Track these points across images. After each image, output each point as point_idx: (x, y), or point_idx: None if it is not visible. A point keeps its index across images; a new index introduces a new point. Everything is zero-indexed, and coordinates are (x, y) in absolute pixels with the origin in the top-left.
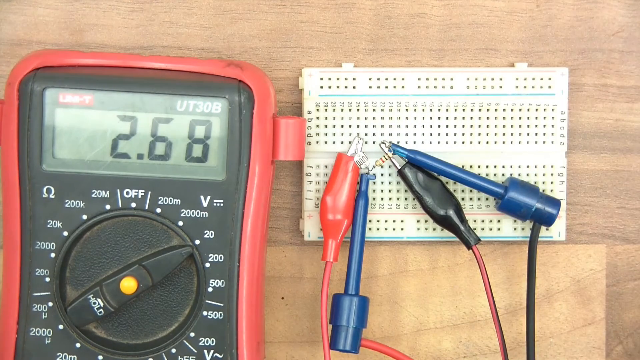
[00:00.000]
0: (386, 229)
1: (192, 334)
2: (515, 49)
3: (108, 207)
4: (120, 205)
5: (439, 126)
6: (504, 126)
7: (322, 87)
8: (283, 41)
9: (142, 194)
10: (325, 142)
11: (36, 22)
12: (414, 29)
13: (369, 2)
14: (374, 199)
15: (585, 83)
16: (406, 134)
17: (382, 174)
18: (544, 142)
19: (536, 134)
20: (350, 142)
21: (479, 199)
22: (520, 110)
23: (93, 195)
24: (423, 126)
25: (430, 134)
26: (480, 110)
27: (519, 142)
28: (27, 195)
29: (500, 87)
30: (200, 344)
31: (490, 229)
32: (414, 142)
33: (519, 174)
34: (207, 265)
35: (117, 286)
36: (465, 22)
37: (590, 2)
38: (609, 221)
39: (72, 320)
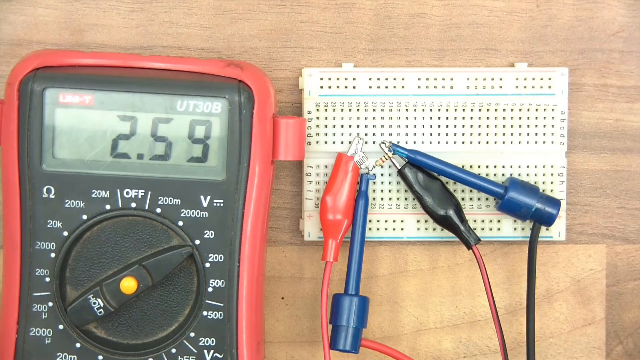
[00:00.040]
0: (386, 229)
1: (192, 334)
2: (515, 49)
3: (108, 207)
4: (120, 205)
5: (439, 126)
6: (504, 126)
7: (322, 87)
8: (283, 41)
9: (142, 194)
10: (325, 142)
11: (36, 22)
12: (414, 29)
13: (369, 2)
14: (374, 199)
15: (585, 83)
16: (406, 134)
17: (382, 174)
18: (544, 142)
19: (536, 134)
20: (350, 142)
21: (479, 199)
22: (520, 110)
23: (93, 195)
24: (423, 126)
25: (430, 134)
26: (480, 110)
27: (519, 142)
28: (27, 195)
29: (500, 87)
30: (200, 344)
31: (490, 229)
32: (414, 142)
33: (519, 174)
34: (207, 265)
35: (117, 286)
36: (465, 22)
37: (590, 2)
38: (609, 221)
39: (72, 320)
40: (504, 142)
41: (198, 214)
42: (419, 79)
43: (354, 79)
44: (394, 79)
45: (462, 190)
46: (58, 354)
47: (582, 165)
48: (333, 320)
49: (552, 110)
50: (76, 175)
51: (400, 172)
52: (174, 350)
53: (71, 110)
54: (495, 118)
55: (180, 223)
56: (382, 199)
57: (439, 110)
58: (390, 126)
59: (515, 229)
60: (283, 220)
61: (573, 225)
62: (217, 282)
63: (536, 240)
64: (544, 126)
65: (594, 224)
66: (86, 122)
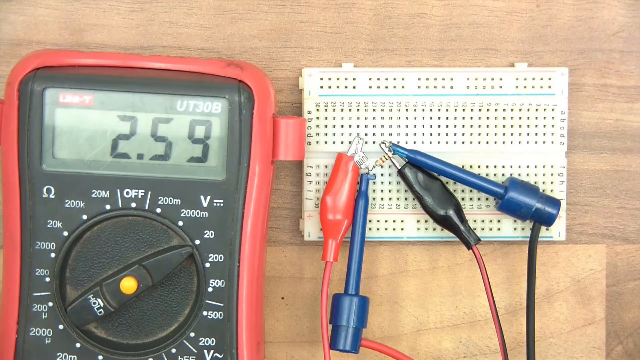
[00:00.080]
0: (386, 229)
1: (192, 334)
2: (515, 49)
3: (108, 207)
4: (120, 205)
5: (439, 126)
6: (504, 126)
7: (322, 87)
8: (283, 41)
9: (142, 194)
10: (325, 142)
11: (36, 22)
12: (414, 29)
13: (369, 2)
14: (374, 199)
15: (585, 83)
16: (406, 134)
17: (382, 174)
18: (544, 142)
19: (536, 134)
20: (350, 142)
21: (479, 199)
22: (520, 110)
23: (93, 195)
24: (423, 126)
25: (430, 134)
26: (480, 110)
27: (519, 142)
28: (27, 195)
29: (500, 87)
30: (200, 344)
31: (490, 229)
32: (414, 142)
33: (519, 174)
34: (207, 265)
35: (117, 286)
36: (465, 22)
37: (590, 2)
38: (609, 221)
39: (72, 320)
40: (504, 142)
41: (198, 214)
42: (419, 79)
43: (354, 79)
44: (394, 79)
45: (462, 190)
46: (58, 354)
47: (582, 165)
48: (333, 320)
49: (552, 110)
50: (76, 175)
51: (400, 172)
52: (174, 350)
53: (71, 110)
54: (495, 118)
55: (180, 223)
56: (382, 199)
57: (439, 110)
58: (390, 126)
59: (515, 229)
60: (283, 220)
61: (573, 225)
62: (217, 282)
63: (536, 240)
64: (544, 126)
65: (594, 224)
66: (86, 122)
